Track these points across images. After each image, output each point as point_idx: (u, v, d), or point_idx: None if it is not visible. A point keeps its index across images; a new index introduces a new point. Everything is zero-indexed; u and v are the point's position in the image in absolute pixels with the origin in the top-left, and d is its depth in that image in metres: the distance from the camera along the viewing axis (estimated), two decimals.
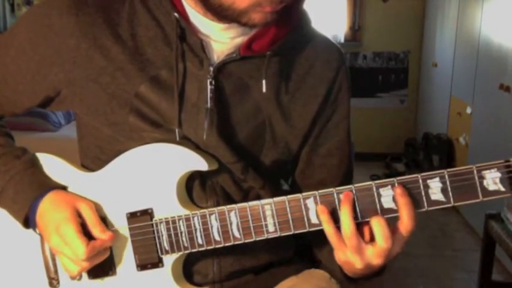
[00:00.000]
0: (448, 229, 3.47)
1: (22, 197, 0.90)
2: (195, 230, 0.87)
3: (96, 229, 0.87)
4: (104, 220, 0.90)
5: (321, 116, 0.97)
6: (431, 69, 4.38)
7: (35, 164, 0.93)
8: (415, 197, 0.78)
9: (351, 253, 0.79)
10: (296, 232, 0.83)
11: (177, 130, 0.88)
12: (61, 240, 0.86)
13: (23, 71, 0.91)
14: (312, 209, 0.82)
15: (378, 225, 0.77)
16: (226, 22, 0.85)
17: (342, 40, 4.61)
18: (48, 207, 0.88)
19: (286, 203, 0.83)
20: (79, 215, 0.88)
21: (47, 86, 0.91)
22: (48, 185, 0.91)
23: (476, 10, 3.41)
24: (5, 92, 0.95)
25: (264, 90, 0.89)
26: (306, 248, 1.07)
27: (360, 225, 0.80)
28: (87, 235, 0.86)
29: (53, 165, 0.94)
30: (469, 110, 3.50)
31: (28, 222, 0.91)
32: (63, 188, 0.93)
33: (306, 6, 0.94)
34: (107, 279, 0.92)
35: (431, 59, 4.37)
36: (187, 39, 0.87)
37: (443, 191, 0.76)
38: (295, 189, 1.02)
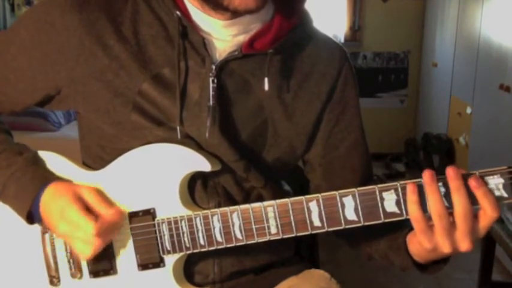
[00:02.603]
0: None
1: (24, 193, 0.89)
2: (197, 230, 0.87)
3: (101, 207, 0.86)
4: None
5: (326, 114, 0.97)
6: (431, 69, 4.38)
7: (37, 161, 0.93)
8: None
9: (440, 236, 0.76)
10: (298, 234, 0.83)
11: (178, 128, 0.88)
12: (68, 224, 0.85)
13: (24, 68, 0.91)
14: (315, 211, 0.82)
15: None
16: (217, 10, 0.84)
17: (342, 40, 4.60)
18: (50, 198, 0.88)
19: (289, 205, 0.83)
20: (81, 199, 0.87)
21: (48, 84, 0.91)
22: (49, 179, 0.90)
23: (476, 10, 3.41)
24: (5, 89, 0.95)
25: (266, 88, 0.89)
26: (307, 248, 1.07)
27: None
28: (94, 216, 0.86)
29: (55, 163, 0.94)
30: (469, 110, 3.50)
31: (32, 217, 0.91)
32: (65, 181, 0.92)
33: (306, 6, 0.94)
34: (108, 279, 0.92)
35: (431, 59, 4.37)
36: (189, 37, 0.87)
37: (447, 195, 0.76)
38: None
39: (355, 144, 1.00)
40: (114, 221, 0.87)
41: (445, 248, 0.77)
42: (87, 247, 0.85)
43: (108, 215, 0.86)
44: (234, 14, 0.84)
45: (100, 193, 0.89)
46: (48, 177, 0.91)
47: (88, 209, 0.86)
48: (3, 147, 0.94)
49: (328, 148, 0.98)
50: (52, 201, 0.87)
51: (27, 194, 0.89)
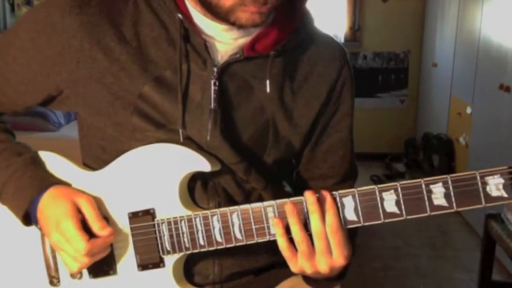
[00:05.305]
0: (448, 229, 3.47)
1: (23, 193, 0.89)
2: (197, 230, 0.87)
3: (96, 225, 0.86)
4: (105, 219, 0.90)
5: (322, 115, 0.97)
6: (431, 69, 4.38)
7: (37, 161, 0.93)
8: (418, 202, 0.78)
9: (301, 259, 0.82)
10: None
11: (180, 131, 0.88)
12: (61, 236, 0.85)
13: (25, 70, 0.91)
14: None
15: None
16: (221, 21, 0.84)
17: (342, 40, 4.60)
18: (48, 203, 0.88)
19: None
20: (79, 210, 0.87)
21: (49, 85, 0.91)
22: (49, 182, 0.90)
23: (476, 10, 3.41)
24: (7, 90, 0.95)
25: (268, 90, 0.89)
26: None
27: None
28: (88, 231, 0.86)
29: (55, 164, 0.94)
30: (469, 110, 3.50)
31: (28, 219, 0.91)
32: (65, 184, 0.92)
33: (307, 5, 0.94)
34: (108, 279, 0.92)
35: (431, 59, 4.37)
36: (191, 40, 0.87)
37: (446, 196, 0.76)
38: (298, 182, 1.04)
39: (338, 143, 1.00)
40: (106, 243, 0.87)
41: (307, 269, 0.83)
42: (74, 263, 0.86)
43: (101, 235, 0.86)
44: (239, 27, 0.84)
45: (99, 203, 0.89)
46: (47, 178, 0.91)
47: (84, 222, 0.86)
48: (2, 147, 0.94)
49: (315, 143, 0.99)
50: (50, 208, 0.87)
51: (26, 194, 0.89)
